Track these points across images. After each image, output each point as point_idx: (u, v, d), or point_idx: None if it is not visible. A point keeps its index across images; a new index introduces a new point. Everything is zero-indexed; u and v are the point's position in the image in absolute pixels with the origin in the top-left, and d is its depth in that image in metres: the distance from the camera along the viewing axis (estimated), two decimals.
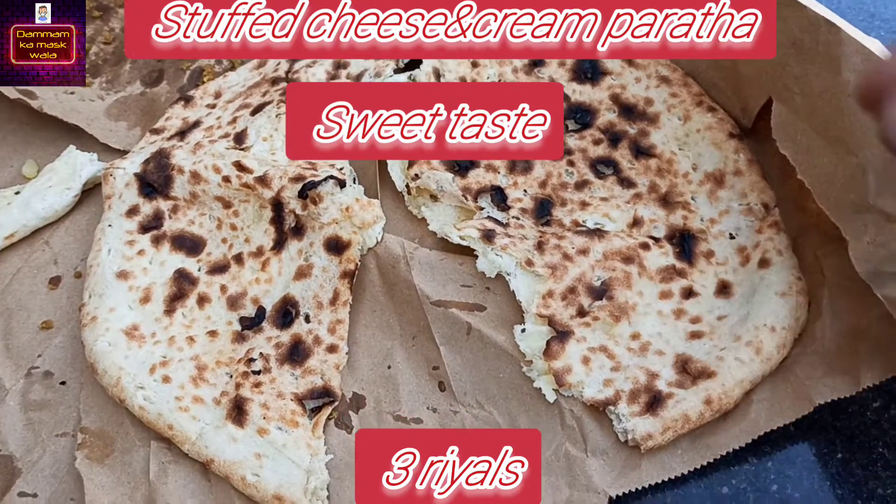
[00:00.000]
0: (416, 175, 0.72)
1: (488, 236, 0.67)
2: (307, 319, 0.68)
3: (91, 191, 0.81)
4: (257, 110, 0.79)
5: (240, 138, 0.76)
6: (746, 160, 0.70)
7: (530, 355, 0.63)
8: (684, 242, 0.68)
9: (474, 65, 0.80)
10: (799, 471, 0.59)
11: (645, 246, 0.67)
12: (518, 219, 0.71)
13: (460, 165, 0.74)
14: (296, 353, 0.66)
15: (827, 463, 0.59)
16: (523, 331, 0.64)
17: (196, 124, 0.80)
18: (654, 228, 0.69)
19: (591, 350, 0.63)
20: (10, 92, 0.81)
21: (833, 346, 0.60)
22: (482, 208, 0.71)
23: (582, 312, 0.64)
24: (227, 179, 0.73)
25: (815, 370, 0.60)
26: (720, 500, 0.59)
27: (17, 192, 0.78)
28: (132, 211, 0.74)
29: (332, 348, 0.66)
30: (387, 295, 0.69)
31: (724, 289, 0.66)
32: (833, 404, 0.59)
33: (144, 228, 0.73)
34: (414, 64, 0.79)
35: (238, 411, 0.62)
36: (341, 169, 0.74)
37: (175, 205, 0.74)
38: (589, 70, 0.78)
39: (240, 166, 0.73)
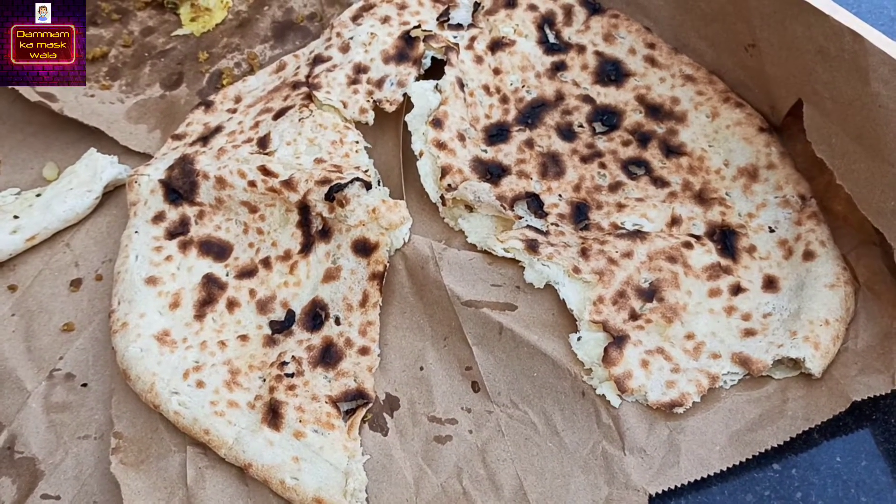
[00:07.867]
0: (451, 186, 0.72)
1: (532, 246, 0.67)
2: (337, 322, 0.68)
3: (111, 193, 0.80)
4: (279, 115, 0.78)
5: (263, 143, 0.76)
6: (779, 153, 0.71)
7: (589, 363, 0.63)
8: (725, 239, 0.68)
9: (496, 72, 0.80)
10: (823, 478, 0.59)
11: (687, 245, 0.68)
12: (557, 225, 0.71)
13: (492, 173, 0.74)
14: (328, 356, 0.66)
15: (852, 471, 0.59)
16: (579, 339, 0.64)
17: (218, 129, 0.80)
18: (693, 226, 0.70)
19: (649, 353, 0.63)
20: (31, 94, 0.80)
21: (866, 346, 0.61)
22: (520, 217, 0.71)
23: (634, 316, 0.65)
24: (252, 184, 0.73)
25: (850, 369, 0.60)
26: None
27: (37, 195, 0.78)
28: (158, 217, 0.74)
29: (363, 350, 0.66)
30: (416, 296, 0.69)
31: (770, 283, 0.66)
32: (857, 412, 0.59)
33: (171, 234, 0.73)
34: (435, 70, 0.79)
35: (273, 415, 0.62)
36: (366, 171, 0.74)
37: (201, 210, 0.74)
38: (612, 72, 0.79)
39: (265, 170, 0.73)
